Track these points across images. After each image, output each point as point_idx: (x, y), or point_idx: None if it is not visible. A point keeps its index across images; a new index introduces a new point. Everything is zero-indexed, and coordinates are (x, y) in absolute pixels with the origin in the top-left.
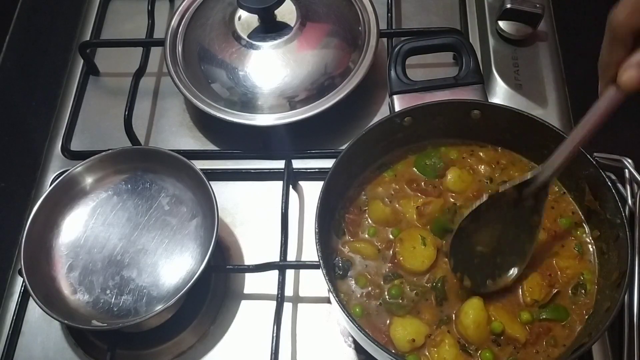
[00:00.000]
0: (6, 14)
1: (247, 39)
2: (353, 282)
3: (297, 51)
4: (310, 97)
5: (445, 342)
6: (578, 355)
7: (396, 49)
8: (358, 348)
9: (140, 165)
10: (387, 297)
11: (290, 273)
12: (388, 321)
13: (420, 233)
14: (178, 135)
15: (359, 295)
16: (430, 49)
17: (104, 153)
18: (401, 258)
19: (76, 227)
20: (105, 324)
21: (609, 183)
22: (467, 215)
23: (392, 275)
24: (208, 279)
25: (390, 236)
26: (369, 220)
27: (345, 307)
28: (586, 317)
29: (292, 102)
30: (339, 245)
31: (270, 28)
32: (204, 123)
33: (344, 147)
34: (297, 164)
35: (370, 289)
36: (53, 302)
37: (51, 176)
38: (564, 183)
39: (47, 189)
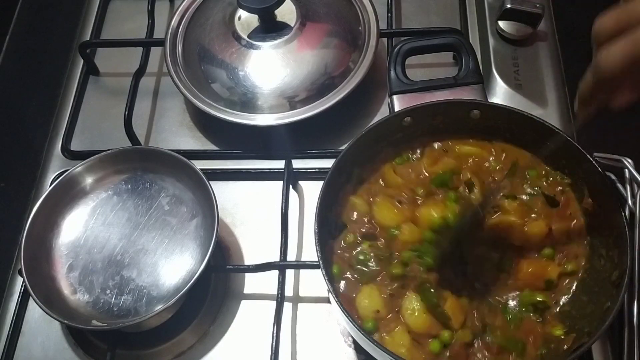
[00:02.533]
0: (6, 14)
1: (247, 39)
2: (342, 242)
3: (297, 51)
4: (310, 97)
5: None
6: (578, 355)
7: (396, 49)
8: (358, 348)
9: (140, 165)
10: (354, 262)
11: (290, 273)
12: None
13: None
14: (178, 135)
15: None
16: (430, 49)
17: (104, 153)
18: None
19: (76, 227)
20: (105, 324)
21: (609, 183)
22: None
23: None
24: (208, 279)
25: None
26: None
27: (345, 307)
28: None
29: (292, 102)
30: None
31: (270, 28)
32: (204, 123)
33: (344, 147)
34: (297, 164)
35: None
36: (53, 302)
37: (51, 176)
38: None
39: (47, 189)
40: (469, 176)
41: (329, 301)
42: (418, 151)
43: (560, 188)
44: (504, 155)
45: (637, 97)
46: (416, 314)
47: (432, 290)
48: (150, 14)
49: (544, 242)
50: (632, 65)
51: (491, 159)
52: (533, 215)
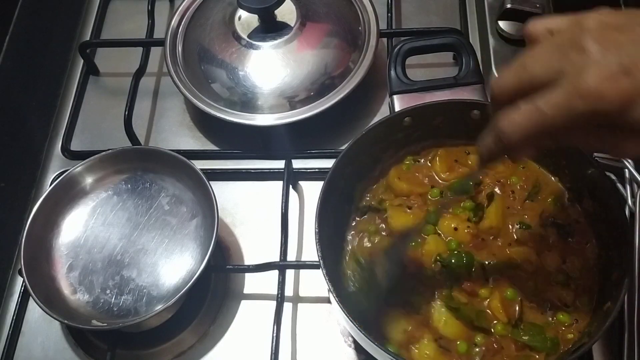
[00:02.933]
0: (6, 14)
1: (247, 39)
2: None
3: (297, 51)
4: (310, 97)
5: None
6: (578, 355)
7: (396, 49)
8: (358, 348)
9: (140, 165)
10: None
11: (290, 273)
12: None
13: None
14: (178, 135)
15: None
16: (430, 49)
17: (104, 153)
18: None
19: (76, 227)
20: (105, 324)
21: (609, 183)
22: None
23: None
24: (208, 279)
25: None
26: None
27: (345, 307)
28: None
29: (292, 102)
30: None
31: (270, 28)
32: (204, 123)
33: (344, 147)
34: (297, 164)
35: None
36: (53, 302)
37: (51, 176)
38: (565, 185)
39: (47, 189)
40: (491, 189)
41: (329, 301)
42: (429, 156)
43: (576, 218)
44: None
45: (535, 154)
46: (449, 322)
47: (463, 306)
48: (150, 14)
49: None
50: (537, 134)
51: (513, 178)
52: (547, 247)
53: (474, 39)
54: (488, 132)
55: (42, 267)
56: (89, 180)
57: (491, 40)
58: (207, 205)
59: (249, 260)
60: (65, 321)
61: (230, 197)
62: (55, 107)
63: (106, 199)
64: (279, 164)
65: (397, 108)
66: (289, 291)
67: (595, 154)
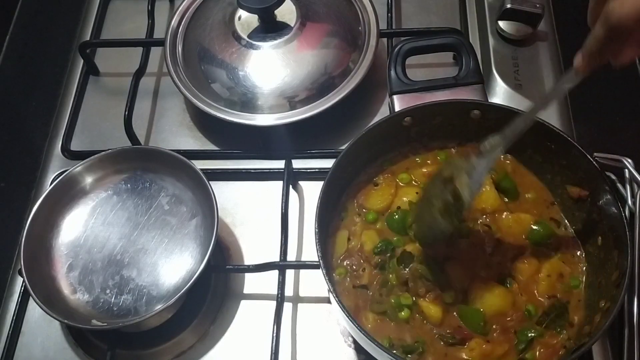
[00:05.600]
0: (6, 14)
1: (247, 39)
2: None
3: (297, 51)
4: (310, 97)
5: None
6: (578, 355)
7: (396, 49)
8: (358, 348)
9: (140, 165)
10: None
11: (290, 273)
12: None
13: None
14: (178, 135)
15: None
16: (430, 49)
17: (103, 153)
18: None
19: (76, 226)
20: (105, 324)
21: (609, 183)
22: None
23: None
24: (208, 278)
25: None
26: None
27: (345, 307)
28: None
29: (292, 102)
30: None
31: (270, 28)
32: (204, 123)
33: (344, 147)
34: (297, 164)
35: None
36: (53, 302)
37: (51, 176)
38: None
39: (47, 189)
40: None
41: (329, 301)
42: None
43: None
44: None
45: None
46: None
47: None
48: (150, 14)
49: None
50: None
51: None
52: None
53: (474, 39)
54: (597, 23)
55: (42, 267)
56: (88, 180)
57: (491, 40)
58: (207, 205)
59: (249, 260)
60: (65, 321)
61: (230, 197)
62: (55, 107)
63: (106, 198)
64: (279, 164)
65: (397, 108)
66: (289, 291)
67: (595, 153)
